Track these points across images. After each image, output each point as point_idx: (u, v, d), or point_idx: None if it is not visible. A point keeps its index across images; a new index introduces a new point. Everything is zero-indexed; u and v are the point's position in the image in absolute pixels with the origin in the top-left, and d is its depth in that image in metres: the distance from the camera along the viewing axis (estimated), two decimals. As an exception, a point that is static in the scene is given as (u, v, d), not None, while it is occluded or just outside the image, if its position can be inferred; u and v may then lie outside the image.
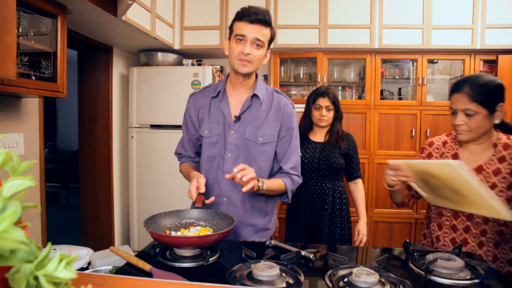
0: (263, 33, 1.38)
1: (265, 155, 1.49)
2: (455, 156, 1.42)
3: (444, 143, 1.50)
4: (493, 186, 1.31)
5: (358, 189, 2.29)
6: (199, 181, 1.36)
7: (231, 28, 1.43)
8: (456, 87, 1.35)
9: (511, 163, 1.31)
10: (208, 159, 1.51)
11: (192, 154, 1.64)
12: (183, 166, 1.63)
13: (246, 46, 1.37)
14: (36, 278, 0.37)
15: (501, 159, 1.33)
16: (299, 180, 1.55)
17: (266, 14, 1.39)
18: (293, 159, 1.53)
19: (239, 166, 1.30)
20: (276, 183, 1.47)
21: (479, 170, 1.35)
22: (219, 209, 1.48)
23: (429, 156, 1.52)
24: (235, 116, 1.47)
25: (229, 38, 1.44)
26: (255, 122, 1.47)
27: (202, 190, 1.34)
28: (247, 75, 1.45)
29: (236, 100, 1.50)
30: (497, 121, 1.32)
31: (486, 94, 1.28)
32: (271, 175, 1.55)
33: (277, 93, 1.56)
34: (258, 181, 1.36)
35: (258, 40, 1.38)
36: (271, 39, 1.44)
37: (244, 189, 1.30)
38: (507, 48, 3.00)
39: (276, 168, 1.56)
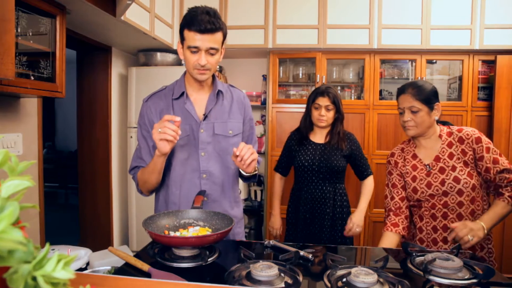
0: (215, 40, 1.35)
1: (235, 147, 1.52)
2: (414, 156, 1.66)
3: (402, 149, 1.73)
4: (453, 168, 1.54)
5: (365, 184, 2.26)
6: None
7: (181, 34, 1.38)
8: (401, 90, 1.62)
9: (458, 145, 1.56)
10: (181, 163, 1.48)
11: None
12: (141, 171, 1.48)
13: (201, 58, 1.35)
14: (34, 279, 0.37)
15: (449, 144, 1.58)
16: (261, 160, 1.64)
17: (215, 21, 1.32)
18: (256, 146, 1.64)
19: (239, 147, 1.30)
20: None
21: (437, 160, 1.59)
22: (202, 209, 1.48)
23: (396, 164, 1.71)
24: (203, 114, 1.48)
25: (181, 43, 1.40)
26: (221, 117, 1.50)
27: (178, 119, 1.27)
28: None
29: (198, 99, 1.51)
30: (436, 118, 1.59)
31: (426, 94, 1.56)
32: None
33: (232, 87, 1.61)
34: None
35: (212, 48, 1.36)
36: (224, 38, 1.42)
37: (247, 168, 1.34)
38: (506, 49, 3.01)
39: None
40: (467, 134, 1.55)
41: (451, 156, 1.56)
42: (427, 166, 1.61)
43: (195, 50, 1.35)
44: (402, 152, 1.72)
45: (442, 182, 1.55)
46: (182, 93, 1.49)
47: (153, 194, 1.62)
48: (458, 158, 1.55)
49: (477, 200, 1.55)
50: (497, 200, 1.51)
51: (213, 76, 1.54)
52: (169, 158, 1.48)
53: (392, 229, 1.60)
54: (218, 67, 3.38)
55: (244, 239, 1.62)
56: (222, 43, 1.42)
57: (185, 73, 1.54)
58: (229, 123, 1.51)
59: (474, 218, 1.53)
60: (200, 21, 1.30)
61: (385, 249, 1.39)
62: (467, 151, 1.54)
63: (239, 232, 1.60)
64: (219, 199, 1.51)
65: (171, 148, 1.31)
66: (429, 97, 1.56)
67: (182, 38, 1.39)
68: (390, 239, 1.58)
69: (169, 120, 1.25)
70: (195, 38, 1.33)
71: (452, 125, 1.67)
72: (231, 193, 1.56)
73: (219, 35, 1.36)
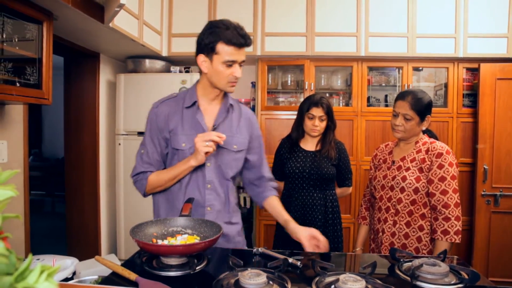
0: (245, 53, 1.43)
1: (237, 162, 1.55)
2: (390, 152, 1.87)
3: (386, 145, 1.95)
4: (407, 169, 1.73)
5: (340, 188, 2.33)
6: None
7: (212, 48, 1.38)
8: (401, 96, 1.75)
9: (423, 153, 1.72)
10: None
11: (162, 169, 1.52)
12: (157, 176, 1.48)
13: (237, 70, 1.40)
14: (16, 291, 0.37)
15: (418, 151, 1.75)
16: (276, 185, 1.71)
17: (247, 35, 1.40)
18: (267, 165, 1.69)
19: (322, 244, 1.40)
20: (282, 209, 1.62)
21: (402, 159, 1.77)
22: (190, 217, 1.47)
23: (375, 156, 1.97)
24: (213, 126, 1.49)
25: (207, 55, 1.41)
26: (228, 131, 1.50)
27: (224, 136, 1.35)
28: None
29: (209, 110, 1.52)
30: (423, 128, 1.76)
31: (422, 106, 1.70)
32: (250, 183, 1.67)
33: (240, 103, 1.65)
34: None
35: (243, 61, 1.42)
36: None
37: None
38: (488, 57, 3.08)
39: (254, 176, 1.64)
40: (434, 147, 1.71)
41: (413, 160, 1.74)
42: (393, 162, 1.81)
43: (231, 63, 1.39)
44: (385, 147, 1.93)
45: (393, 177, 1.76)
46: (194, 103, 1.49)
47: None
48: (417, 163, 1.72)
49: (417, 203, 1.70)
50: (436, 241, 1.67)
51: None
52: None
53: (362, 221, 2.01)
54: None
55: (245, 247, 1.61)
56: None
57: (197, 82, 1.54)
58: (235, 138, 1.52)
59: (411, 219, 1.71)
60: (237, 36, 1.36)
61: (373, 255, 1.40)
62: (426, 160, 1.71)
63: (240, 241, 1.59)
64: (221, 209, 1.51)
65: None
66: (424, 110, 1.70)
67: (213, 51, 1.39)
68: (361, 231, 2.01)
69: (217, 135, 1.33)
70: (233, 53, 1.37)
71: (433, 134, 1.89)
72: (233, 200, 1.57)
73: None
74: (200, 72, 1.48)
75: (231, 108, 1.54)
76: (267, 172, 1.66)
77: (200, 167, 1.46)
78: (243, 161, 1.57)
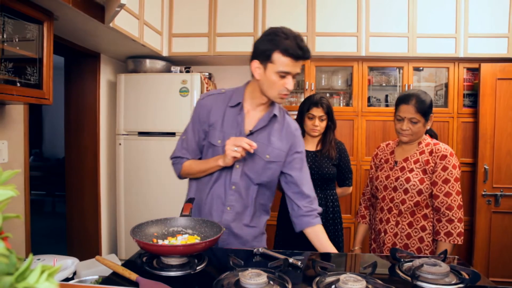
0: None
1: (269, 172, 1.50)
2: (392, 152, 1.86)
3: (387, 144, 1.93)
4: (411, 170, 1.73)
5: (340, 188, 2.34)
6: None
7: (268, 56, 1.34)
8: (404, 100, 1.72)
9: (426, 155, 1.72)
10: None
11: (197, 158, 1.56)
12: (190, 165, 1.52)
13: (290, 82, 1.37)
14: (16, 291, 0.37)
15: (421, 152, 1.74)
16: (321, 210, 1.57)
17: (305, 47, 1.33)
18: (310, 183, 1.57)
19: None
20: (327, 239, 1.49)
21: (405, 160, 1.77)
22: (222, 217, 1.47)
23: (376, 155, 1.95)
24: (250, 130, 1.47)
25: (262, 62, 1.37)
26: (264, 139, 1.47)
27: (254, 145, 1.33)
28: None
29: (252, 114, 1.50)
30: (428, 127, 1.76)
31: (426, 107, 1.69)
32: (291, 200, 1.56)
33: (287, 115, 1.59)
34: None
35: (298, 74, 1.39)
36: None
37: None
38: (489, 57, 3.08)
39: (293, 192, 1.54)
40: (438, 149, 1.70)
41: (416, 161, 1.73)
42: (395, 162, 1.80)
43: (284, 75, 1.35)
44: (386, 147, 1.92)
45: (397, 178, 1.75)
46: (238, 103, 1.48)
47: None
48: (420, 165, 1.72)
49: (420, 205, 1.71)
50: (438, 242, 1.67)
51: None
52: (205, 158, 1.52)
53: (361, 220, 2.01)
54: (207, 73, 3.39)
55: None
56: None
57: (247, 83, 1.52)
58: (269, 148, 1.48)
59: (414, 219, 1.72)
60: (296, 47, 1.31)
61: (374, 255, 1.40)
62: (430, 162, 1.70)
63: (256, 247, 1.55)
64: (241, 211, 1.50)
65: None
66: (428, 110, 1.70)
67: (268, 59, 1.35)
68: (360, 230, 2.01)
69: (248, 142, 1.31)
70: (289, 65, 1.33)
71: (434, 132, 1.87)
72: (258, 203, 1.54)
73: None
74: (252, 75, 1.44)
75: (274, 118, 1.50)
76: (308, 189, 1.55)
77: (230, 166, 1.45)
78: (277, 172, 1.52)
